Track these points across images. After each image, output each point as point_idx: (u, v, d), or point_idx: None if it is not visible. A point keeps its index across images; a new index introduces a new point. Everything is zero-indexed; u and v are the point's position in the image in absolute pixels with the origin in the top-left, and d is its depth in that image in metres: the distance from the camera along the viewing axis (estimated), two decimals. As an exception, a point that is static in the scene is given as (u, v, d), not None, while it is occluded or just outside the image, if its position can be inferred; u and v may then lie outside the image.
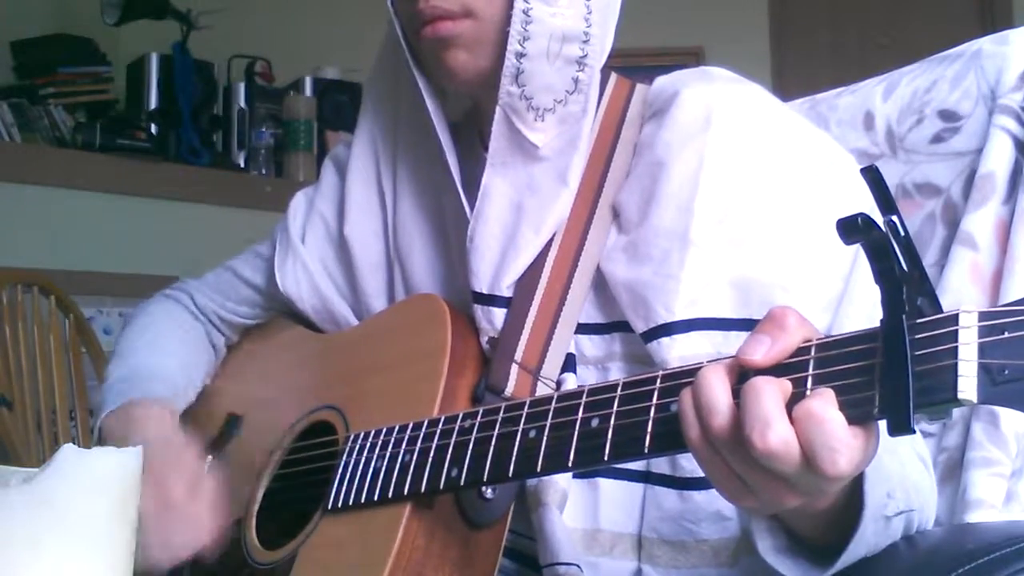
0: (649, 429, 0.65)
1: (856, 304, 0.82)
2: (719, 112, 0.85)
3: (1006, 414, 0.90)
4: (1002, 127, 0.96)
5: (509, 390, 0.84)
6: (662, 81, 0.92)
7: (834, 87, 1.14)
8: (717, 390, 0.60)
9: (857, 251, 0.82)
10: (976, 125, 0.99)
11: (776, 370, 0.60)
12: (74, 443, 0.73)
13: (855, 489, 0.64)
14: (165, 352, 1.09)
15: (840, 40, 3.99)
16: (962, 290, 0.94)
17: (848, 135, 1.07)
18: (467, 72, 0.86)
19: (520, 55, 0.83)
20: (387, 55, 0.98)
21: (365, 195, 1.00)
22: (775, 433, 0.57)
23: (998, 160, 0.95)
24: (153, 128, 3.15)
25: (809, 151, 0.88)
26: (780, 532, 0.68)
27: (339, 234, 1.01)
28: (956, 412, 0.93)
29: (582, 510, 0.85)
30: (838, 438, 0.56)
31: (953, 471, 0.92)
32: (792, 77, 3.80)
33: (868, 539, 0.67)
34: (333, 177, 1.06)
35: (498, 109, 0.85)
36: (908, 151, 1.04)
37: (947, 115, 1.01)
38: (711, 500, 0.81)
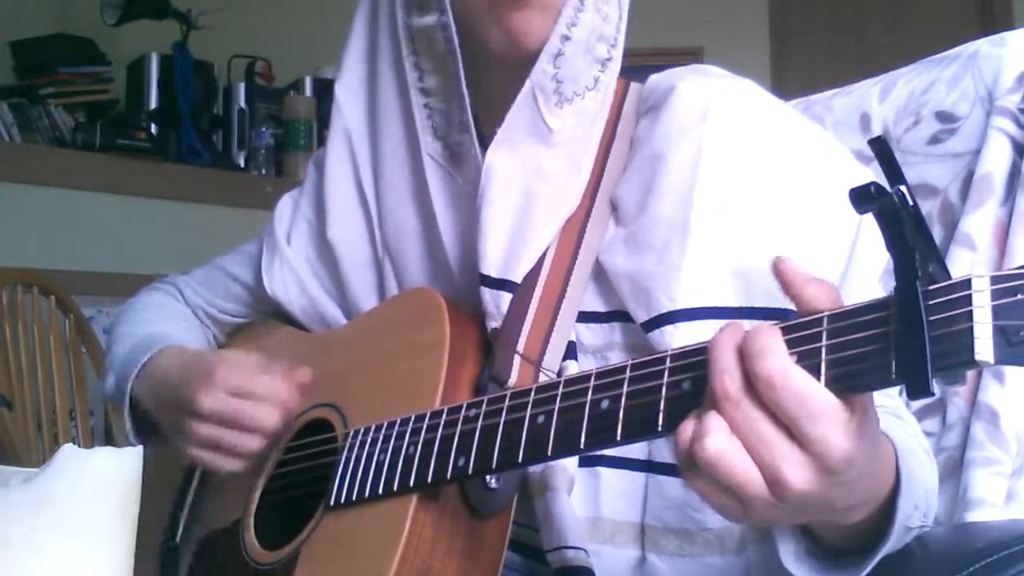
0: (662, 407, 0.64)
1: (856, 291, 0.82)
2: (716, 104, 0.86)
3: (1006, 413, 0.90)
4: (1000, 129, 0.96)
5: (512, 380, 0.84)
6: (656, 78, 0.93)
7: (834, 87, 1.14)
8: (727, 349, 0.60)
9: (855, 238, 0.83)
10: (973, 127, 0.99)
11: (792, 341, 0.59)
12: (74, 443, 0.73)
13: (889, 502, 0.64)
14: (165, 325, 1.10)
15: (840, 40, 3.99)
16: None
17: (844, 136, 1.07)
18: (535, 37, 0.84)
19: (565, 38, 0.84)
20: (359, 49, 0.98)
21: (344, 195, 0.99)
22: (775, 358, 0.57)
23: (996, 162, 0.96)
24: (153, 128, 3.15)
25: (805, 141, 0.89)
26: (802, 537, 0.67)
27: (323, 237, 1.00)
28: (955, 412, 0.93)
29: (583, 498, 0.85)
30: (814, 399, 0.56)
31: (953, 471, 0.92)
32: (792, 77, 3.80)
33: (888, 547, 0.67)
34: (315, 178, 1.05)
35: (527, 83, 0.85)
36: (905, 152, 1.04)
37: (944, 116, 1.02)
38: None
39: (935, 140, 1.02)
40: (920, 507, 0.69)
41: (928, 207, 1.01)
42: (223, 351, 0.94)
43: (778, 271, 0.62)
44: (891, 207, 0.57)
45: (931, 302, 0.55)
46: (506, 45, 0.85)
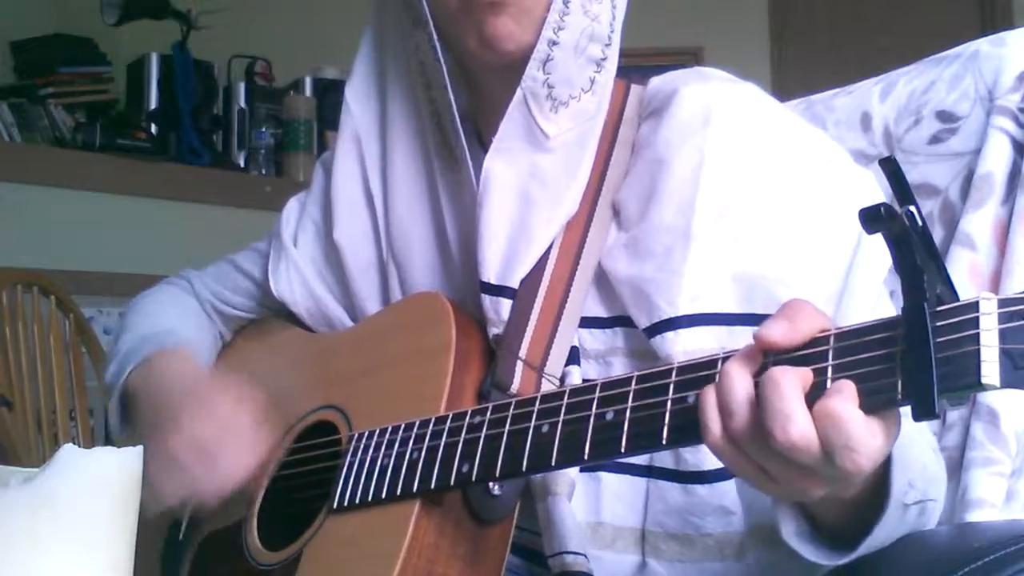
0: (666, 421, 0.65)
1: (857, 297, 0.82)
2: (718, 109, 0.86)
3: (1006, 413, 0.90)
4: (1000, 128, 0.96)
5: (515, 387, 0.84)
6: (658, 81, 0.93)
7: (834, 87, 1.15)
8: (738, 386, 0.61)
9: (857, 245, 0.84)
10: (974, 126, 0.99)
11: (796, 360, 0.60)
12: (74, 443, 0.72)
13: (882, 477, 0.65)
14: (176, 320, 1.10)
15: (840, 40, 3.99)
16: (961, 290, 0.93)
17: (845, 136, 1.07)
18: (511, 42, 0.84)
19: (552, 43, 0.84)
20: (370, 54, 0.98)
21: (352, 198, 0.99)
22: (796, 428, 0.57)
23: (996, 161, 0.96)
24: (153, 128, 3.15)
25: (808, 148, 0.89)
26: (802, 518, 0.69)
27: (329, 239, 1.01)
28: (955, 412, 0.93)
29: (584, 503, 0.86)
30: (855, 438, 0.57)
31: (953, 471, 0.92)
32: (792, 77, 3.80)
33: (888, 526, 0.67)
34: (322, 180, 1.05)
35: (519, 91, 0.85)
36: (906, 152, 1.04)
37: (945, 116, 1.02)
38: (715, 494, 0.81)
39: (936, 139, 1.02)
40: (916, 485, 0.70)
41: (929, 207, 1.01)
42: (222, 378, 0.95)
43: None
44: (901, 229, 0.58)
45: (938, 324, 0.56)
46: (484, 50, 0.86)
